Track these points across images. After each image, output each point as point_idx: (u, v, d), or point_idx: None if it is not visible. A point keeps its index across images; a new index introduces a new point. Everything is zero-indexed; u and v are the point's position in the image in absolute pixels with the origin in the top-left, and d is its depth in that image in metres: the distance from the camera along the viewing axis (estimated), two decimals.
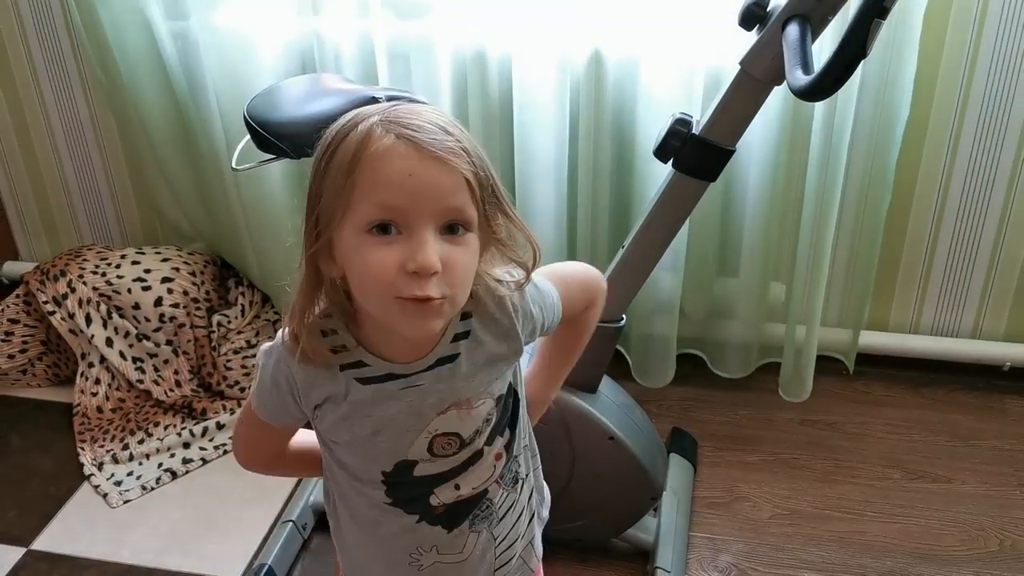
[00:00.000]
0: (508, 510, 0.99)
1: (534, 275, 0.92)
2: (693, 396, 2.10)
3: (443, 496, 0.94)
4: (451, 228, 0.80)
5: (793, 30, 1.11)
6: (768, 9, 1.20)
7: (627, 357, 2.11)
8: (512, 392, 0.95)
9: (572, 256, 1.99)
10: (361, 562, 1.02)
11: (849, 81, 1.01)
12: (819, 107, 1.74)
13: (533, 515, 1.06)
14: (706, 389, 2.11)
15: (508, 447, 0.96)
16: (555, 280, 0.99)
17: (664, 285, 1.95)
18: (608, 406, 1.52)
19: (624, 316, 1.47)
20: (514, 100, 1.82)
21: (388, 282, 0.78)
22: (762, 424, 2.02)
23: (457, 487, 0.94)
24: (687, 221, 1.43)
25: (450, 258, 0.79)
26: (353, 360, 0.87)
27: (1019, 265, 1.98)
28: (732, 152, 1.29)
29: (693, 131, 1.28)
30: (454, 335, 0.88)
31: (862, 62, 0.99)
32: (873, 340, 2.09)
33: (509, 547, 1.01)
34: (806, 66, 1.05)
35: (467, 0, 1.77)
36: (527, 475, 1.02)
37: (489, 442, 0.93)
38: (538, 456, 1.06)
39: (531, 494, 1.04)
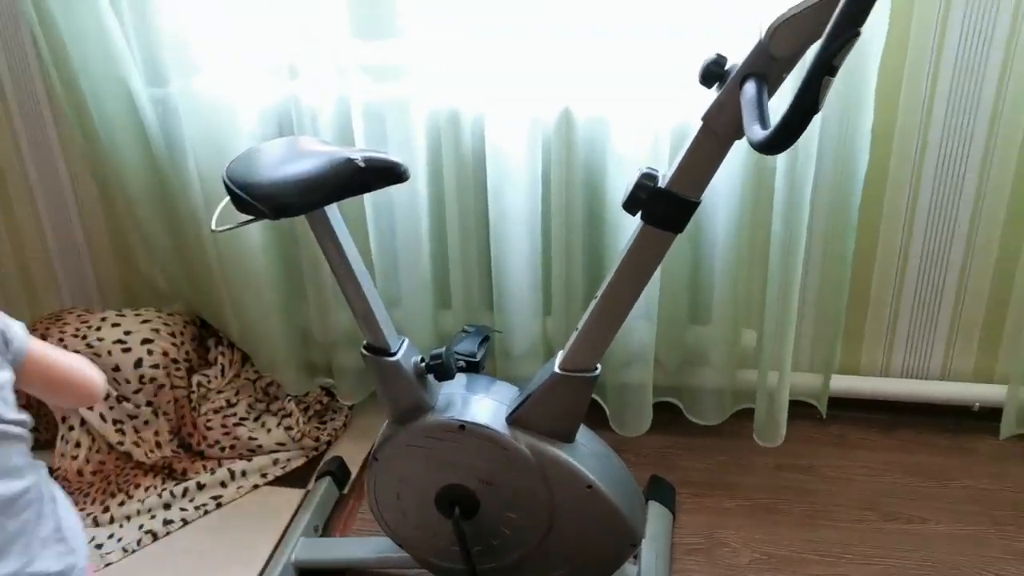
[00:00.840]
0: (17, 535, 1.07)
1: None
2: (670, 443, 2.12)
3: None
4: None
5: (750, 87, 1.16)
6: (726, 68, 1.25)
7: (604, 406, 2.14)
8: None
9: (548, 308, 2.03)
10: None
11: (808, 133, 1.05)
12: (781, 158, 1.79)
13: None
14: (683, 436, 2.13)
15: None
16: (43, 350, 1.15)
17: (638, 334, 1.98)
18: (585, 455, 1.53)
19: (599, 365, 1.50)
20: (487, 158, 1.87)
21: None
22: (739, 470, 2.04)
23: None
24: (658, 271, 1.46)
25: None
26: None
27: (984, 305, 2.03)
28: (697, 204, 1.33)
29: (659, 184, 1.32)
30: None
31: (817, 115, 1.04)
32: (844, 384, 2.12)
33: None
34: (763, 121, 1.09)
35: (442, 63, 1.83)
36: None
37: None
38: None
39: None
